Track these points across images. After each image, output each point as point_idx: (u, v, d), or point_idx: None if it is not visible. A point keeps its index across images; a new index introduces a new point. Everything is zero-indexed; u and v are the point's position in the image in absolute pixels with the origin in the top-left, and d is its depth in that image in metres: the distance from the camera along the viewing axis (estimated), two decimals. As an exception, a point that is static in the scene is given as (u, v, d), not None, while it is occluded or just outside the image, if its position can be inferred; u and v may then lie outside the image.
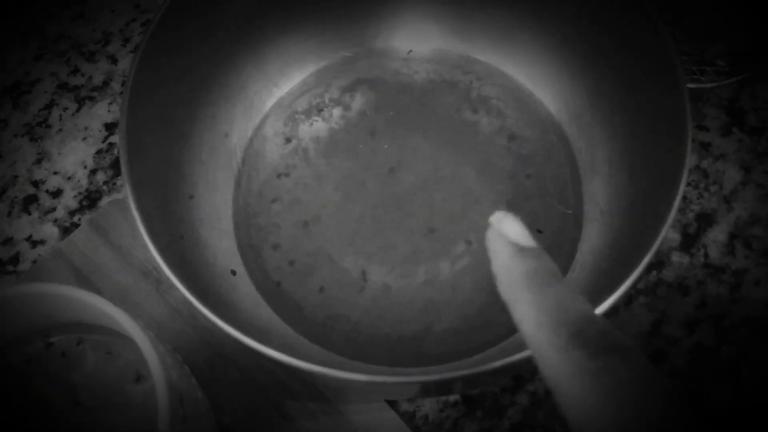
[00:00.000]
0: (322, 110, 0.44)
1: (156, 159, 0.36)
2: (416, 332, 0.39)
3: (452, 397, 0.40)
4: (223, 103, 0.42)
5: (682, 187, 0.31)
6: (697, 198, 0.45)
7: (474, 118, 0.44)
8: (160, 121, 0.36)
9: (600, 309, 0.29)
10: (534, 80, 0.45)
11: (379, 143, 0.44)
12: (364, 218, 0.42)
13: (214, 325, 0.29)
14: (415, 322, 0.39)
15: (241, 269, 0.40)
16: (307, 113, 0.44)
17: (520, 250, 0.25)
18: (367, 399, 0.39)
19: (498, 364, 0.28)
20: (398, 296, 0.40)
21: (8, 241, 0.43)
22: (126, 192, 0.31)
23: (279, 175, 0.43)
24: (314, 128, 0.44)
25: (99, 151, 0.46)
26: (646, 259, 0.30)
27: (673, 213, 0.31)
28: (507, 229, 0.26)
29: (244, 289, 0.39)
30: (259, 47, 0.42)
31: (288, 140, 0.43)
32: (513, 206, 0.42)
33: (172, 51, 0.36)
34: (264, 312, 0.39)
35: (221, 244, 0.40)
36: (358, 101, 0.45)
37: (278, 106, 0.44)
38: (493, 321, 0.38)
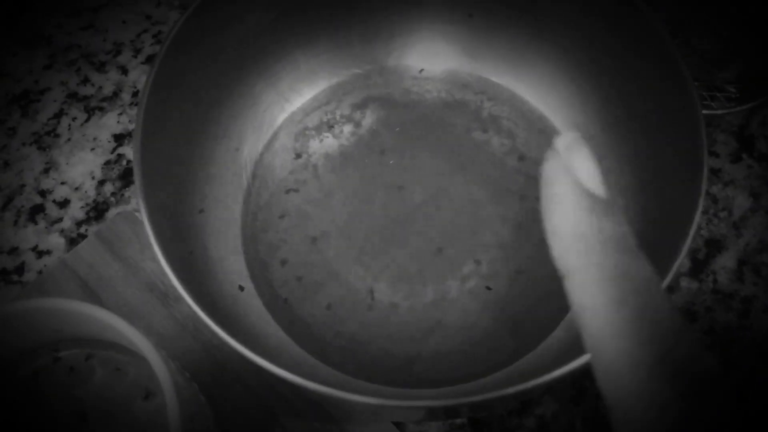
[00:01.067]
0: (332, 127, 0.44)
1: (168, 173, 0.35)
2: (423, 353, 0.38)
3: (458, 420, 0.40)
4: (235, 119, 0.42)
5: (696, 218, 0.31)
6: (707, 224, 0.45)
7: (484, 138, 0.44)
8: (173, 136, 0.36)
9: None
10: (545, 102, 0.45)
11: (389, 161, 0.44)
12: (372, 236, 0.42)
13: (222, 341, 0.29)
14: (423, 343, 0.39)
15: (248, 285, 0.39)
16: (318, 129, 0.44)
17: (594, 201, 0.19)
18: (374, 420, 0.39)
19: (510, 391, 0.28)
20: (406, 316, 0.40)
21: (14, 250, 0.43)
22: (139, 205, 0.31)
23: (288, 191, 0.42)
24: (324, 144, 0.44)
25: (107, 162, 0.45)
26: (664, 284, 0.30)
27: (687, 244, 0.31)
28: (578, 166, 0.19)
29: (252, 305, 0.39)
30: (270, 63, 0.42)
31: (298, 156, 0.43)
32: (522, 228, 0.42)
33: (186, 67, 0.36)
34: (271, 328, 0.39)
35: (229, 259, 0.40)
36: (368, 118, 0.45)
37: (289, 121, 0.44)
38: (500, 346, 0.38)
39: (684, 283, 0.43)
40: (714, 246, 0.44)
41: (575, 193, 0.19)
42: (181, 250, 0.34)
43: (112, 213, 0.44)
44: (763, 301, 0.43)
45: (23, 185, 0.45)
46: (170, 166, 0.36)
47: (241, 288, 0.39)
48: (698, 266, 0.44)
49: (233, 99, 0.41)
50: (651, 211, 0.37)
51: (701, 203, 0.31)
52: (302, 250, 0.41)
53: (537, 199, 0.42)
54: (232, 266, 0.39)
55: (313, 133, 0.44)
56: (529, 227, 0.41)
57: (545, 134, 0.44)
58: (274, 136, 0.44)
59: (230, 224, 0.41)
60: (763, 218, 0.45)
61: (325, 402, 0.38)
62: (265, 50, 0.42)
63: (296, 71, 0.44)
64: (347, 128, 0.44)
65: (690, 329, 0.18)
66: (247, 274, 0.40)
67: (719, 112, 0.45)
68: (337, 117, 0.44)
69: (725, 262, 0.44)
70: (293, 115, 0.44)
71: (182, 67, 0.36)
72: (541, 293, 0.40)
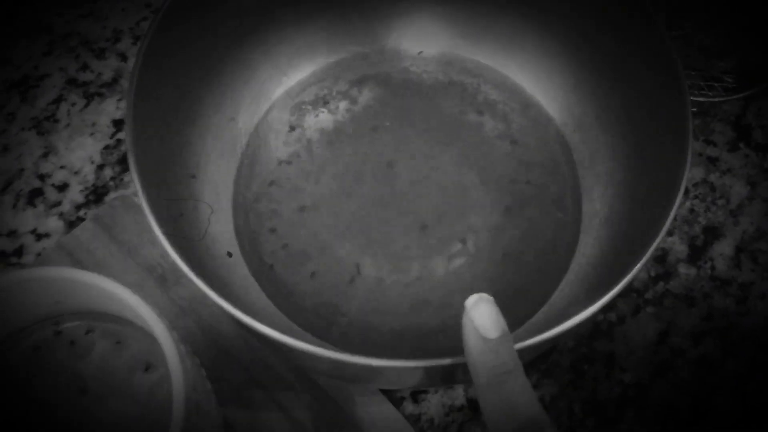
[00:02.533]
0: (328, 102, 0.44)
1: (161, 138, 0.36)
2: (406, 328, 0.38)
3: (458, 401, 0.40)
4: (231, 89, 0.42)
5: (679, 196, 0.32)
6: (705, 211, 0.45)
7: (478, 121, 0.45)
8: (169, 102, 0.36)
9: (593, 309, 0.29)
10: (540, 87, 0.45)
11: (382, 138, 0.44)
12: (360, 211, 0.42)
13: (215, 305, 0.29)
14: (406, 318, 0.39)
15: (236, 251, 0.40)
16: (314, 104, 0.44)
17: (484, 342, 0.26)
18: (363, 390, 0.38)
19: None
20: (390, 291, 0.40)
21: (12, 233, 0.43)
22: (130, 167, 0.31)
23: (281, 162, 0.43)
24: (319, 119, 0.44)
25: (107, 147, 0.45)
26: (639, 265, 0.30)
27: (669, 220, 0.31)
28: (475, 316, 0.26)
29: (239, 272, 0.39)
30: (268, 37, 0.43)
31: (292, 129, 0.44)
32: (511, 211, 0.42)
33: (181, 37, 0.37)
34: (256, 296, 0.39)
35: (219, 226, 0.40)
36: (365, 96, 0.45)
37: (286, 95, 0.45)
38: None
39: (682, 269, 0.44)
40: (711, 233, 0.45)
41: (473, 338, 0.26)
42: (172, 213, 0.34)
43: (111, 197, 0.44)
44: (760, 287, 0.43)
45: (22, 169, 0.45)
46: (164, 133, 0.36)
47: (230, 254, 0.39)
48: (696, 253, 0.44)
49: (230, 70, 0.41)
50: (638, 190, 0.37)
51: (683, 184, 0.32)
52: (291, 221, 0.41)
53: (527, 183, 0.43)
54: (221, 232, 0.40)
55: (309, 107, 0.44)
56: (517, 212, 0.42)
57: (539, 120, 0.44)
58: (270, 108, 0.44)
59: (222, 191, 0.41)
60: (760, 206, 0.45)
61: (317, 371, 0.37)
62: (263, 24, 0.42)
63: (295, 46, 0.44)
64: (343, 104, 0.45)
65: (549, 424, 0.24)
66: (236, 240, 0.40)
67: (716, 99, 0.46)
68: (334, 93, 0.45)
69: (723, 249, 0.44)
70: (290, 89, 0.45)
71: (177, 38, 0.36)
72: (526, 278, 0.40)
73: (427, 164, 0.43)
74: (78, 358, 0.31)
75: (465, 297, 0.40)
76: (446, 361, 0.28)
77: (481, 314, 0.26)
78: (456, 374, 0.31)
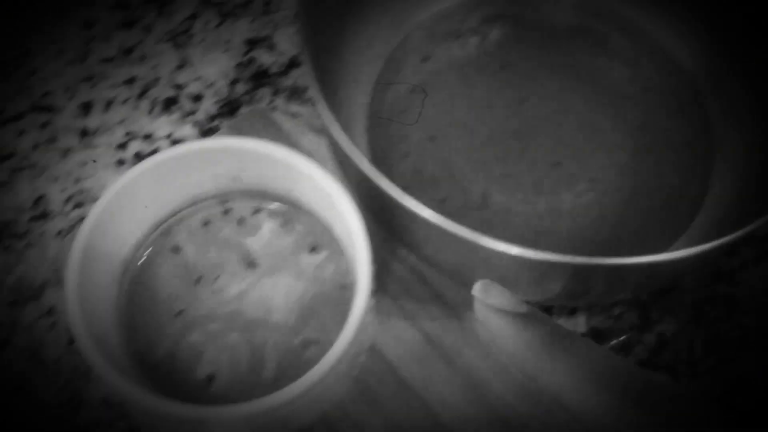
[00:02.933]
0: (459, 37, 0.45)
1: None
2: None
3: (579, 329, 0.40)
4: (370, 17, 0.43)
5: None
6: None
7: (609, 66, 0.45)
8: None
9: (712, 245, 0.30)
10: (674, 33, 0.45)
11: (512, 76, 0.44)
12: (490, 142, 0.42)
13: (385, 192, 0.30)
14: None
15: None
16: (446, 37, 0.45)
17: (514, 316, 0.27)
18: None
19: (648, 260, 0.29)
20: (517, 221, 0.41)
21: (148, 136, 0.44)
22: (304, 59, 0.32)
23: (413, 89, 0.43)
24: (451, 52, 0.45)
25: (239, 64, 0.46)
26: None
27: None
28: (493, 300, 0.28)
29: None
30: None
31: (425, 59, 0.44)
32: (640, 153, 0.42)
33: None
34: None
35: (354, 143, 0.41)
36: (495, 34, 0.46)
37: (420, 26, 0.46)
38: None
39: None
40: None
41: (499, 317, 0.28)
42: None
43: (243, 111, 0.45)
44: None
45: (158, 78, 0.46)
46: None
47: None
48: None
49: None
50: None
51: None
52: (422, 146, 0.42)
53: (656, 128, 0.43)
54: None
55: (441, 39, 0.45)
56: (646, 155, 0.42)
57: (671, 66, 0.45)
58: (405, 38, 0.45)
59: (359, 111, 0.42)
60: None
61: (444, 267, 0.38)
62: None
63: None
64: (473, 40, 0.45)
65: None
66: (370, 158, 0.41)
67: None
68: (465, 29, 0.46)
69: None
70: (424, 21, 0.46)
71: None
72: (652, 219, 0.41)
73: (557, 103, 0.44)
74: (246, 234, 0.32)
75: (592, 231, 0.41)
76: (581, 260, 0.28)
77: (498, 296, 0.28)
78: (590, 281, 0.32)
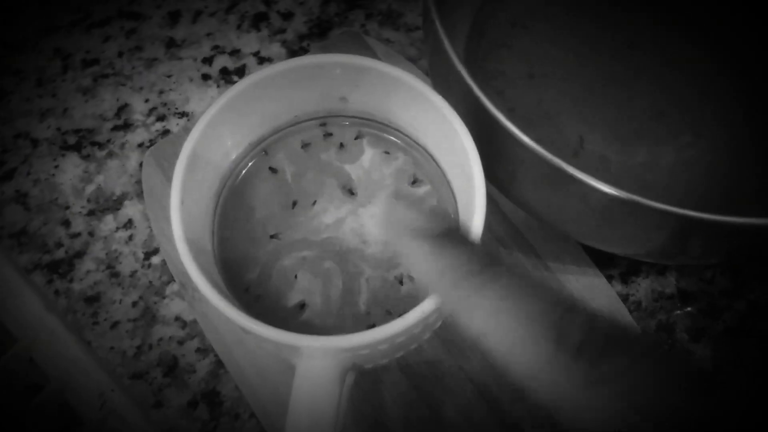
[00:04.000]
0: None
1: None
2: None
3: (668, 289, 0.39)
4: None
5: None
6: None
7: (733, 14, 0.42)
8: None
9: None
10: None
11: (622, 16, 0.42)
12: (592, 86, 0.40)
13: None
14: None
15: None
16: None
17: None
18: (578, 260, 0.37)
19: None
20: (613, 170, 0.39)
21: (236, 52, 0.42)
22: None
23: (514, 24, 0.41)
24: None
25: (334, -16, 0.44)
26: None
27: None
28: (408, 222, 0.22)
29: None
30: None
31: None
32: (753, 113, 0.40)
33: None
34: None
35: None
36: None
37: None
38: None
39: None
40: None
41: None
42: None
43: (335, 33, 0.43)
44: None
45: (249, -8, 0.44)
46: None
47: None
48: None
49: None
50: None
51: None
52: (519, 84, 0.40)
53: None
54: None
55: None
56: (759, 117, 0.39)
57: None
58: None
59: (457, 38, 0.40)
60: None
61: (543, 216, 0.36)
62: None
63: None
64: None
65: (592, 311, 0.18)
66: None
67: None
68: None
69: None
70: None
71: None
72: (758, 183, 0.38)
73: (669, 51, 0.41)
74: (346, 160, 0.30)
75: (692, 187, 0.39)
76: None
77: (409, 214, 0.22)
78: (691, 239, 0.30)
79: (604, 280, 0.37)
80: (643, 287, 0.38)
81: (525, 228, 0.38)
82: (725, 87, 0.40)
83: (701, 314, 0.37)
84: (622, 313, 0.36)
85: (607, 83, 0.39)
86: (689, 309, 0.38)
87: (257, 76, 0.27)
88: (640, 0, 0.42)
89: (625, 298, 0.37)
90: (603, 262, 0.37)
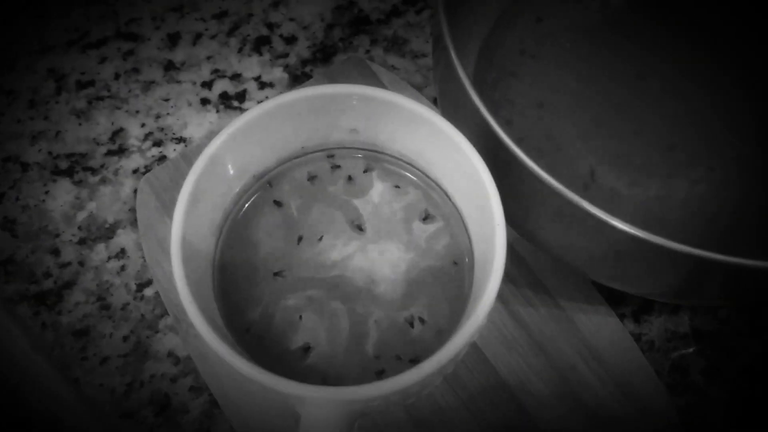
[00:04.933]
0: (581, 0, 0.41)
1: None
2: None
3: (682, 329, 0.37)
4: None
5: None
6: None
7: (746, 46, 0.41)
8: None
9: None
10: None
11: (632, 47, 0.41)
12: (601, 117, 0.39)
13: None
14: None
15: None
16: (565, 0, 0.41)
17: None
18: (590, 298, 0.36)
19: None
20: (625, 204, 0.37)
21: (236, 76, 0.41)
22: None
23: (522, 52, 0.40)
24: (569, 15, 0.41)
25: (338, 7, 0.43)
26: None
27: None
28: None
29: None
30: None
31: (539, 20, 0.41)
32: (765, 147, 0.39)
33: None
34: None
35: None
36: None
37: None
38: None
39: None
40: None
41: None
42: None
43: (339, 59, 0.42)
44: None
45: (251, 15, 0.43)
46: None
47: None
48: None
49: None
50: None
51: None
52: (527, 114, 0.39)
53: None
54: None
55: (559, 2, 0.41)
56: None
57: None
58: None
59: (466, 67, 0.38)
60: None
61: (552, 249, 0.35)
62: None
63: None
64: (594, 4, 0.41)
65: None
66: None
67: None
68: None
69: None
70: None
71: None
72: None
73: (681, 80, 0.40)
74: (354, 195, 0.29)
75: (705, 222, 0.38)
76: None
77: None
78: (706, 279, 0.29)
79: (617, 319, 0.35)
80: (656, 326, 0.36)
81: (535, 264, 0.36)
82: (736, 118, 0.39)
83: (716, 355, 0.36)
84: (635, 354, 0.35)
85: (618, 113, 0.38)
86: (703, 349, 0.36)
87: (268, 105, 0.25)
88: (651, 30, 0.41)
89: (637, 338, 0.36)
90: (615, 299, 0.36)
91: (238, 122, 0.25)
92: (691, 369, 0.35)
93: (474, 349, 0.34)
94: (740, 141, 0.38)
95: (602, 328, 0.36)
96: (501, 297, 0.35)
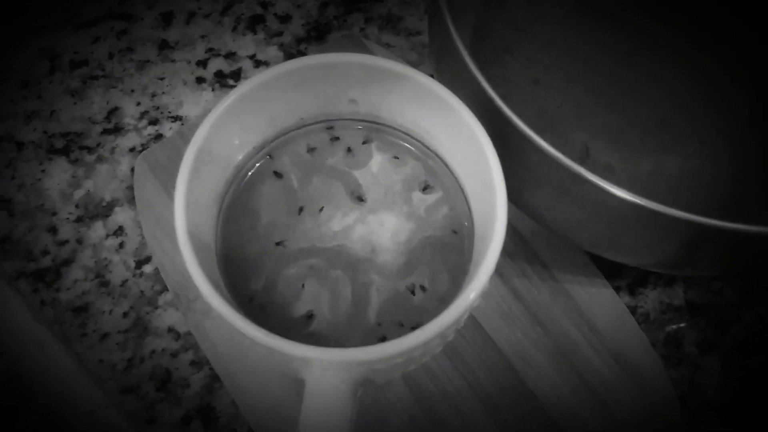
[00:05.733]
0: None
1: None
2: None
3: (676, 301, 0.38)
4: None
5: None
6: None
7: (736, 21, 0.41)
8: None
9: None
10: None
11: (625, 22, 0.41)
12: (594, 93, 0.39)
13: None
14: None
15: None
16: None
17: None
18: (586, 271, 0.36)
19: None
20: (620, 179, 0.38)
21: (231, 55, 0.41)
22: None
23: (517, 29, 0.40)
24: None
25: (332, -14, 0.43)
26: None
27: None
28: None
29: None
30: None
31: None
32: (757, 121, 0.39)
33: None
34: None
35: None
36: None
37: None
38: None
39: None
40: None
41: None
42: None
43: (333, 36, 0.42)
44: None
45: (244, -7, 0.43)
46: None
47: None
48: None
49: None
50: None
51: None
52: (522, 90, 0.39)
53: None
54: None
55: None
56: (764, 124, 0.39)
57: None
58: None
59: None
60: None
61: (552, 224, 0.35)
62: None
63: None
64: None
65: None
66: None
67: None
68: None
69: None
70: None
71: None
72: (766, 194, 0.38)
73: (672, 57, 0.40)
74: (354, 166, 0.29)
75: (698, 199, 0.38)
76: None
77: None
78: (701, 247, 0.29)
79: (612, 291, 0.36)
80: (651, 299, 0.37)
81: (531, 237, 0.37)
82: (730, 93, 0.39)
83: (710, 327, 0.37)
84: (631, 326, 0.35)
85: (612, 89, 0.39)
86: (697, 321, 0.37)
87: (267, 74, 0.25)
88: (645, 4, 0.41)
89: (633, 310, 0.36)
90: (611, 272, 0.36)
91: (238, 91, 0.25)
92: (686, 341, 0.36)
93: (473, 322, 0.35)
94: (730, 117, 0.39)
95: (598, 301, 0.36)
96: (498, 270, 0.36)
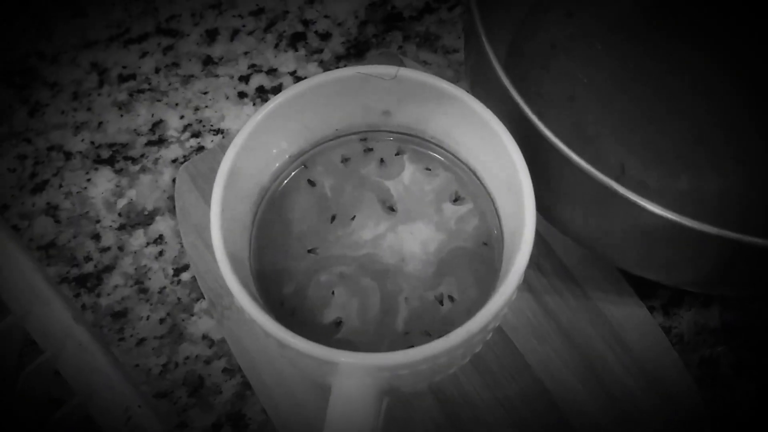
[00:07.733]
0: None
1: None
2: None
3: (712, 322, 0.37)
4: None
5: None
6: None
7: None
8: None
9: None
10: None
11: (663, 40, 0.41)
12: (630, 110, 0.39)
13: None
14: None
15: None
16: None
17: None
18: (619, 290, 0.36)
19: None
20: (655, 199, 0.37)
21: (273, 71, 0.42)
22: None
23: (553, 46, 0.40)
24: (599, 10, 0.41)
25: (371, 5, 0.44)
26: None
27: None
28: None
29: None
30: None
31: (570, 14, 0.41)
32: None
33: None
34: None
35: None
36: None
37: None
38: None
39: None
40: None
41: None
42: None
43: (372, 54, 0.42)
44: None
45: (287, 12, 0.44)
46: None
47: None
48: None
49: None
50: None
51: None
52: (558, 107, 0.39)
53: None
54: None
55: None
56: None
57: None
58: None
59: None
60: None
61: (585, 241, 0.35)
62: None
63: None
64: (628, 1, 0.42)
65: None
66: None
67: None
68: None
69: None
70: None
71: None
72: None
73: (710, 75, 0.40)
74: (387, 176, 0.30)
75: (734, 217, 0.38)
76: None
77: None
78: (737, 266, 0.29)
79: (645, 310, 0.36)
80: (685, 320, 0.36)
81: (563, 252, 0.37)
82: (763, 112, 0.39)
83: (746, 349, 0.36)
84: (664, 346, 0.35)
85: (647, 107, 0.39)
86: (733, 343, 0.36)
87: (302, 86, 0.26)
88: (681, 25, 0.41)
89: (667, 331, 0.36)
90: (644, 292, 0.36)
91: (274, 102, 0.26)
92: (721, 363, 0.35)
93: (502, 337, 0.35)
94: (767, 136, 0.38)
95: (631, 320, 0.36)
96: (529, 286, 0.36)
